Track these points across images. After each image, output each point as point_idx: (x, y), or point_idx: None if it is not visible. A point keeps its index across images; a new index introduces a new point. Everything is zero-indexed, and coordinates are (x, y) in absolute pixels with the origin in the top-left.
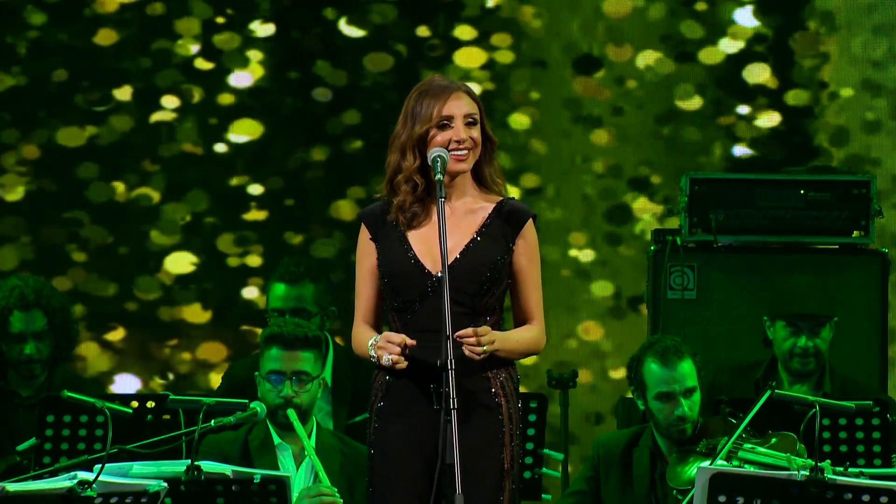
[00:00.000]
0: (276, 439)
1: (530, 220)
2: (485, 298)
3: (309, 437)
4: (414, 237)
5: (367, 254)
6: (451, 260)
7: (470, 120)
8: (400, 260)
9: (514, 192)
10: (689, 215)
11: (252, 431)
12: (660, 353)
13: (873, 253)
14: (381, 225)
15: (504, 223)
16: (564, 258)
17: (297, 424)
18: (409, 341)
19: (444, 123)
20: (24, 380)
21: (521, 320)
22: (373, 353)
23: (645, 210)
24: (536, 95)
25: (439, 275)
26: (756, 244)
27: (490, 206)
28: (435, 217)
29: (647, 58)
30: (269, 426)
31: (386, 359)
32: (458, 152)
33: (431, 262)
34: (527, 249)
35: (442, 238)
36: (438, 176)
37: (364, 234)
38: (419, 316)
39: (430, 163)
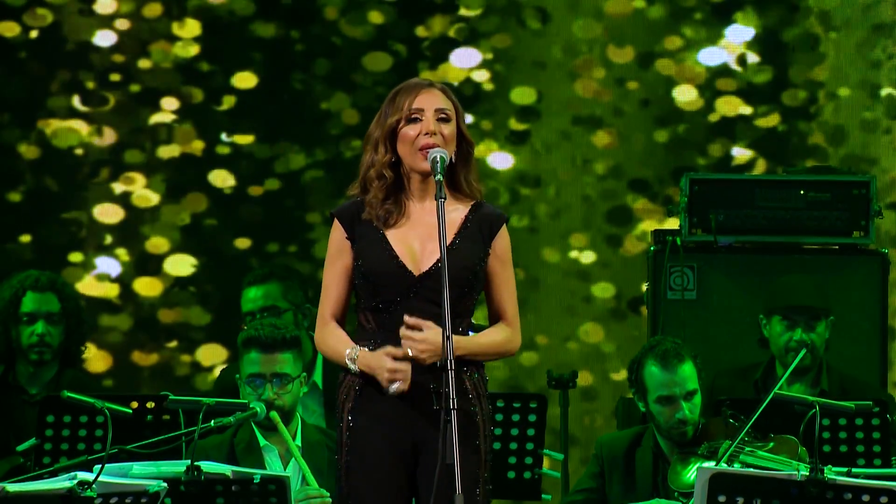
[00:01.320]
0: (262, 441)
1: (504, 225)
2: (464, 301)
3: (294, 436)
4: (392, 237)
5: (341, 252)
6: (431, 263)
7: (442, 115)
8: (381, 260)
9: (509, 193)
10: (689, 215)
11: (237, 434)
12: (660, 355)
13: (873, 253)
14: (357, 223)
15: (479, 227)
16: (565, 260)
17: (281, 427)
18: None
19: (415, 117)
20: (32, 368)
21: (495, 322)
22: (353, 366)
23: (645, 211)
24: (536, 96)
25: (421, 274)
26: (756, 244)
27: (464, 209)
28: (412, 216)
29: (646, 58)
30: (254, 428)
31: (395, 387)
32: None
33: (412, 262)
34: (501, 253)
35: (441, 238)
36: (438, 176)
37: (339, 233)
38: (398, 316)
39: (429, 163)
